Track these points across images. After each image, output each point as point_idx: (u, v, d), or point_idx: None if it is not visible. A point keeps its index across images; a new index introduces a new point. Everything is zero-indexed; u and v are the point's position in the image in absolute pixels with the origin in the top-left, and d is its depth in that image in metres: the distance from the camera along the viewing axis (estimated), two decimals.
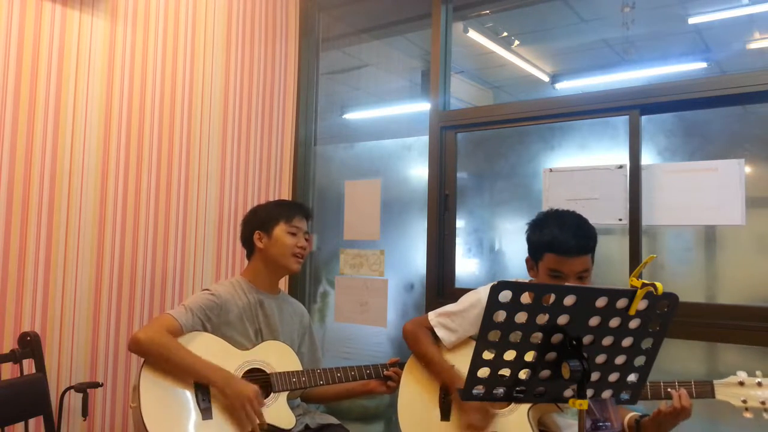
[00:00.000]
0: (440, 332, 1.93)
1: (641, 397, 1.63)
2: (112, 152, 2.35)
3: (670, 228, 2.22)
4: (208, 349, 1.87)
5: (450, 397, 1.88)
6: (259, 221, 2.09)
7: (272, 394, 1.92)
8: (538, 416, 1.81)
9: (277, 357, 1.98)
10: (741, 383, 1.62)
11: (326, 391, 2.17)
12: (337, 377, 2.01)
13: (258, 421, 1.79)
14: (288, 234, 2.05)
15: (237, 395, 1.79)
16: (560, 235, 1.71)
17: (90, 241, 2.27)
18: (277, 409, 1.90)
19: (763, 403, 1.59)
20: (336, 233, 3.01)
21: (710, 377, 1.68)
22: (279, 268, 2.08)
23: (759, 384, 1.61)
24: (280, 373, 1.95)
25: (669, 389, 1.65)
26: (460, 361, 1.91)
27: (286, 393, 1.94)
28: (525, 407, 1.79)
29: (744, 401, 1.60)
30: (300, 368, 2.00)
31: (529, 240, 1.84)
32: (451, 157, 2.69)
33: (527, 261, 1.86)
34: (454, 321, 1.93)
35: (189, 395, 1.81)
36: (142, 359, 1.83)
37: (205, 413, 1.80)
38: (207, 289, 1.99)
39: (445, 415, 1.88)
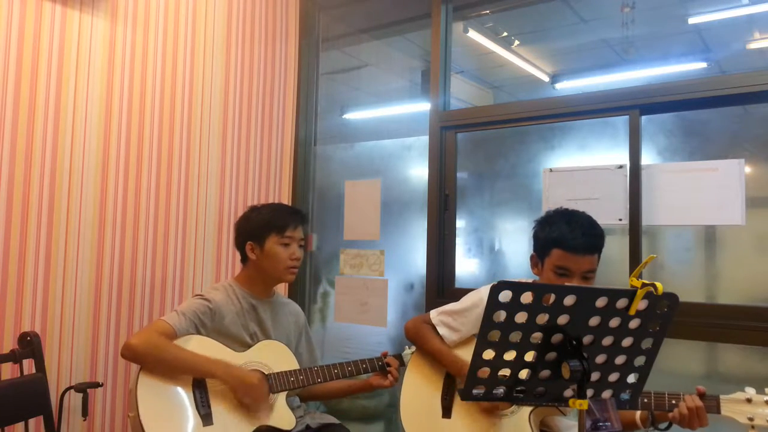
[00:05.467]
0: (442, 330, 1.94)
1: (645, 406, 1.62)
2: (112, 152, 2.35)
3: (670, 228, 2.22)
4: (204, 351, 1.85)
5: (455, 388, 1.89)
6: (250, 232, 2.04)
7: (271, 394, 1.91)
8: (539, 419, 1.81)
9: (273, 357, 1.98)
10: (748, 400, 1.56)
11: (327, 389, 2.16)
12: (334, 373, 2.01)
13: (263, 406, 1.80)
14: (281, 246, 2.01)
15: (241, 383, 1.78)
16: (569, 233, 1.71)
17: (90, 241, 2.27)
18: (277, 409, 1.90)
19: None
20: (336, 233, 3.01)
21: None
22: (273, 279, 2.06)
23: (767, 402, 1.55)
24: (277, 373, 1.94)
25: (674, 401, 1.61)
26: (463, 357, 1.91)
27: (285, 393, 1.94)
28: (527, 410, 1.78)
29: (750, 419, 1.54)
30: (297, 367, 2.00)
31: (536, 236, 1.83)
32: (451, 157, 2.69)
33: (532, 258, 1.85)
34: (457, 320, 1.93)
35: (188, 402, 1.79)
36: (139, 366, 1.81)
37: (206, 419, 1.78)
38: (200, 295, 1.96)
39: (446, 413, 1.89)
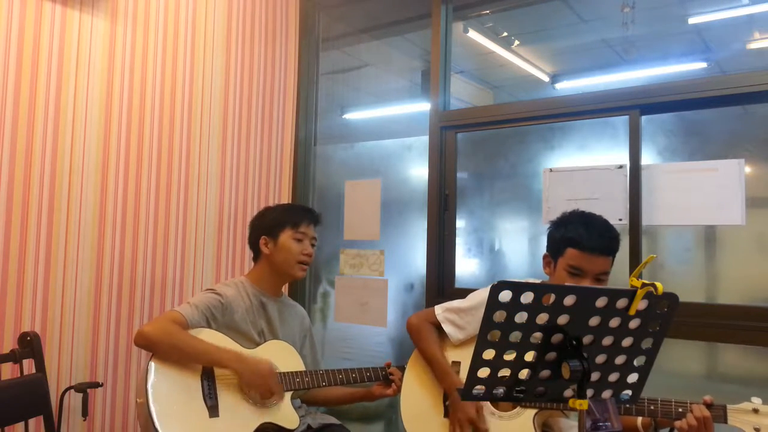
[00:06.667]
0: (447, 328, 1.92)
1: (652, 414, 1.61)
2: (112, 152, 2.35)
3: (670, 228, 2.22)
4: (215, 344, 1.86)
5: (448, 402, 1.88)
6: (265, 226, 2.09)
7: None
8: (542, 421, 1.80)
9: (281, 357, 1.99)
10: (755, 410, 1.54)
11: (329, 395, 2.18)
12: (338, 378, 2.03)
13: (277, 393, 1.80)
14: (294, 240, 2.05)
15: (253, 371, 1.80)
16: (586, 233, 1.70)
17: (90, 241, 2.27)
18: (283, 408, 1.91)
19: None
20: (336, 233, 3.01)
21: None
22: (283, 274, 2.09)
23: None
24: (284, 373, 1.96)
25: (680, 409, 1.59)
26: (467, 357, 1.90)
27: (291, 393, 1.95)
28: (531, 412, 1.78)
29: (757, 429, 1.52)
30: (303, 368, 2.01)
31: (551, 236, 1.82)
32: (451, 157, 2.69)
33: (544, 257, 1.84)
34: (463, 318, 1.91)
35: (196, 392, 1.81)
36: (147, 356, 1.82)
37: (212, 410, 1.80)
38: (211, 289, 1.99)
39: (447, 412, 1.88)
